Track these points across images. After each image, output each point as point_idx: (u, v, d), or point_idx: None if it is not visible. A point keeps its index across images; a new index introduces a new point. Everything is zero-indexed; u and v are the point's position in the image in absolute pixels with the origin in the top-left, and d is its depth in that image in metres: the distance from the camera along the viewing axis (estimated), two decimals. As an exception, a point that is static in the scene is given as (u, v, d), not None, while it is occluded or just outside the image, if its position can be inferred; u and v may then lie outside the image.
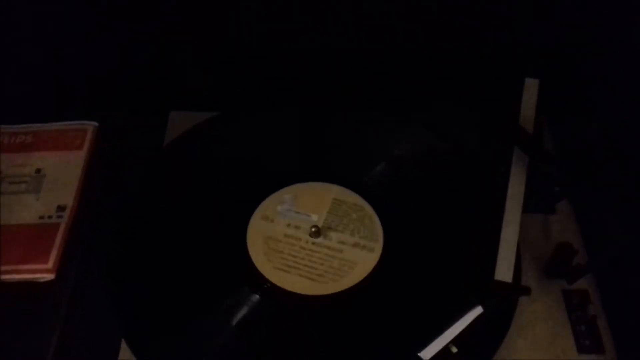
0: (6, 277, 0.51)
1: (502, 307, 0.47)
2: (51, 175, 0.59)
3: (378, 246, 0.51)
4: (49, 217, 0.56)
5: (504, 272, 0.47)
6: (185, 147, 0.58)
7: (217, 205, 0.54)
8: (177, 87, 0.65)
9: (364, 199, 0.54)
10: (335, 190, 0.55)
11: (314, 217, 0.53)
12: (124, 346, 0.47)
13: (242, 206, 0.54)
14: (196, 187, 0.56)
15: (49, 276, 0.52)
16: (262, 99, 0.63)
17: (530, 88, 0.56)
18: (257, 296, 0.48)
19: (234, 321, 0.47)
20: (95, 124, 0.63)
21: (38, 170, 0.59)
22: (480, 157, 0.56)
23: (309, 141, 0.59)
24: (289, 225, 0.53)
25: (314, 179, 0.56)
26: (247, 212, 0.54)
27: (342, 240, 0.52)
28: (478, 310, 0.45)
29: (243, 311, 0.48)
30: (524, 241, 0.53)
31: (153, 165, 0.57)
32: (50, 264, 0.52)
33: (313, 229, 0.52)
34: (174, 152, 0.58)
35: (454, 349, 0.45)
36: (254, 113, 0.61)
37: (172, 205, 0.55)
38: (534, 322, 0.49)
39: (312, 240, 0.52)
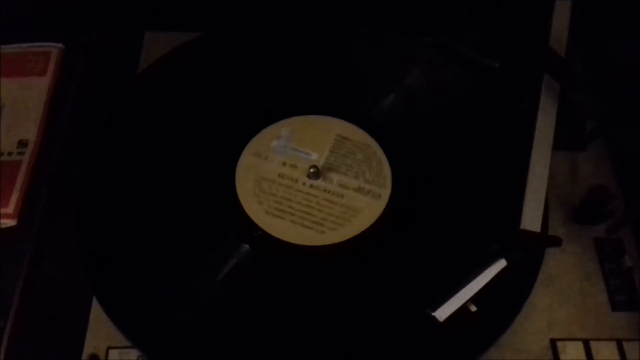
0: (-40, 223, 0.46)
1: (528, 259, 0.42)
2: (10, 106, 0.53)
3: (385, 192, 0.45)
4: (9, 154, 0.50)
5: (531, 220, 0.42)
6: (164, 73, 0.52)
7: (201, 141, 0.48)
8: (152, 3, 0.58)
9: (372, 137, 0.48)
10: (339, 126, 0.49)
11: (314, 156, 0.47)
12: (95, 305, 0.42)
13: (231, 142, 0.48)
14: (177, 120, 0.50)
15: (10, 222, 0.47)
16: (253, 17, 0.56)
17: (562, 9, 0.49)
18: (246, 246, 0.43)
19: (220, 275, 0.42)
20: (61, 46, 0.57)
21: (-4, 100, 0.53)
22: (505, 87, 0.50)
23: (308, 67, 0.53)
24: (284, 163, 0.47)
25: (314, 111, 0.50)
26: (236, 149, 0.48)
27: (345, 183, 0.46)
28: (501, 264, 0.40)
29: (230, 264, 0.42)
30: (549, 182, 0.47)
31: (127, 94, 0.51)
32: (10, 208, 0.47)
33: (312, 170, 0.45)
34: (150, 79, 0.52)
35: (473, 308, 0.40)
36: (243, 33, 0.54)
37: (150, 141, 0.49)
38: (561, 275, 0.44)
39: (310, 182, 0.46)
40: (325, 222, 0.44)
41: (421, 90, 0.50)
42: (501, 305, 0.40)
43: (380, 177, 0.46)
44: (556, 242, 0.42)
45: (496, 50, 0.50)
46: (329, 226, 0.44)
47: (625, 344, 0.41)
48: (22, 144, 0.50)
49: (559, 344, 0.41)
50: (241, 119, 0.49)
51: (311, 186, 0.46)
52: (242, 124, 0.49)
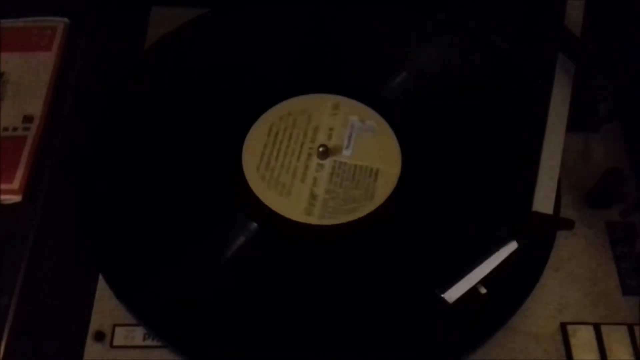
0: (-36, 199, 0.46)
1: (539, 242, 0.41)
2: (15, 81, 0.52)
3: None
4: (14, 129, 0.49)
5: (543, 202, 0.41)
6: (170, 49, 0.51)
7: (208, 119, 0.47)
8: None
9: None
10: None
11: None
12: (101, 282, 0.41)
13: (238, 119, 0.47)
14: (184, 97, 0.49)
15: (15, 198, 0.46)
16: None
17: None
18: (254, 224, 0.42)
19: (227, 253, 0.41)
20: (67, 20, 0.55)
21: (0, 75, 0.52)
22: (519, 67, 0.48)
23: (317, 45, 0.51)
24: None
25: (323, 90, 0.49)
26: (244, 127, 0.47)
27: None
28: (512, 246, 0.39)
29: (237, 242, 0.42)
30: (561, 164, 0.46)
31: (133, 70, 0.50)
32: (15, 184, 0.46)
33: (321, 149, 0.45)
34: (157, 55, 0.51)
35: (483, 290, 0.39)
36: (250, 9, 0.53)
37: (156, 118, 0.48)
38: (572, 258, 0.43)
39: (319, 162, 0.45)
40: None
41: (433, 69, 0.49)
42: (511, 288, 0.40)
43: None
44: (569, 224, 0.42)
45: (510, 29, 0.49)
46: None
47: (636, 328, 0.40)
48: (28, 119, 0.49)
49: (570, 327, 0.40)
50: (249, 96, 0.48)
51: (321, 166, 0.45)
52: (250, 102, 0.48)
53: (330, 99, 0.48)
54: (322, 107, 0.48)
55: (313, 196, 0.43)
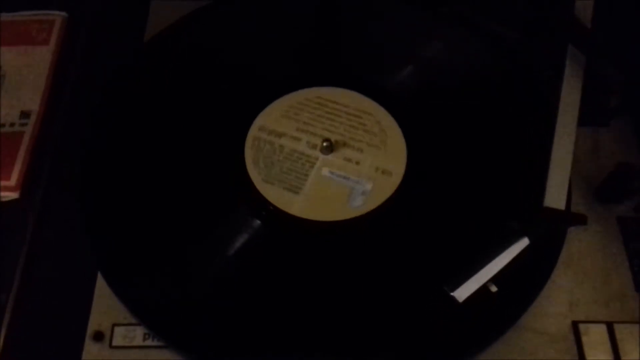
0: (-39, 196, 0.45)
1: (550, 238, 0.40)
2: (12, 76, 0.51)
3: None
4: (11, 124, 0.48)
5: (555, 197, 0.40)
6: (170, 42, 0.50)
7: (210, 113, 0.46)
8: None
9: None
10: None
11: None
12: (100, 281, 0.41)
13: (240, 114, 0.46)
14: (184, 91, 0.48)
15: (12, 195, 0.46)
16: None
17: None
18: (257, 221, 0.41)
19: (229, 251, 0.40)
20: (65, 14, 0.55)
21: (-4, 69, 0.52)
22: (527, 59, 0.47)
23: (322, 38, 0.51)
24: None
25: (327, 83, 0.47)
26: (246, 122, 0.46)
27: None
28: (524, 243, 0.38)
29: (239, 239, 0.41)
30: (571, 159, 0.45)
31: (133, 64, 0.49)
32: (13, 181, 0.46)
33: (325, 144, 0.43)
34: (157, 49, 0.50)
35: (494, 288, 0.38)
36: (252, 1, 0.52)
37: (156, 113, 0.47)
38: (583, 255, 0.42)
39: (322, 157, 0.44)
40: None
41: (438, 63, 0.48)
42: (521, 286, 0.39)
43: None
44: (581, 220, 0.40)
45: (517, 20, 0.48)
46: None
47: (651, 327, 0.39)
48: (25, 114, 0.49)
49: (582, 326, 0.39)
50: (251, 90, 0.47)
51: (324, 161, 0.44)
52: (252, 95, 0.47)
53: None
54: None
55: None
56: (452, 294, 0.37)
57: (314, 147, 0.44)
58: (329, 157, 0.44)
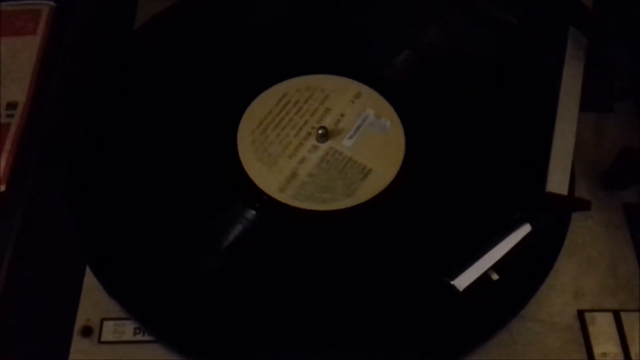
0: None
1: (553, 225, 0.39)
2: (-2, 66, 0.50)
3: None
4: (-3, 116, 0.47)
5: (557, 182, 0.39)
6: (161, 31, 0.49)
7: (201, 102, 0.45)
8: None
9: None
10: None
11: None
12: (88, 275, 0.39)
13: (233, 103, 0.45)
14: (175, 81, 0.47)
15: None
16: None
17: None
18: (251, 212, 0.40)
19: (223, 243, 0.39)
20: (52, 3, 0.54)
21: (-18, 60, 0.50)
22: (527, 42, 0.46)
23: (317, 24, 0.50)
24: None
25: (323, 71, 0.46)
26: (239, 110, 0.45)
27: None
28: (525, 230, 0.37)
29: (233, 231, 0.39)
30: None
31: (122, 53, 0.48)
32: (-1, 173, 0.45)
33: (320, 131, 0.42)
34: (146, 38, 0.49)
35: (495, 277, 0.37)
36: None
37: (146, 103, 0.46)
38: (588, 243, 0.41)
39: (318, 145, 0.43)
40: (335, 186, 0.41)
41: (437, 48, 0.47)
42: (524, 274, 0.38)
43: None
44: (585, 205, 0.39)
45: (517, 3, 0.47)
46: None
47: (658, 315, 0.38)
48: (11, 105, 0.48)
49: (587, 315, 0.38)
50: (243, 79, 0.46)
51: (315, 148, 0.43)
52: (245, 84, 0.46)
53: (355, 86, 0.45)
54: (343, 92, 0.45)
55: (294, 175, 0.41)
56: (451, 282, 0.36)
57: (311, 131, 0.43)
58: (322, 146, 0.43)
